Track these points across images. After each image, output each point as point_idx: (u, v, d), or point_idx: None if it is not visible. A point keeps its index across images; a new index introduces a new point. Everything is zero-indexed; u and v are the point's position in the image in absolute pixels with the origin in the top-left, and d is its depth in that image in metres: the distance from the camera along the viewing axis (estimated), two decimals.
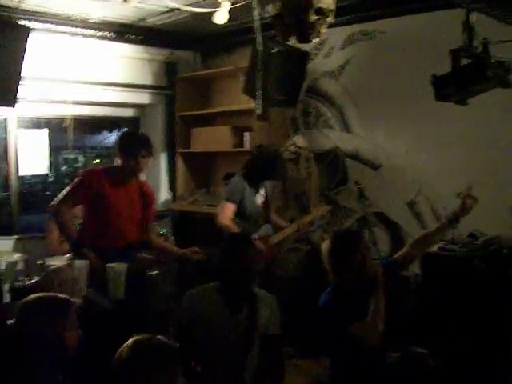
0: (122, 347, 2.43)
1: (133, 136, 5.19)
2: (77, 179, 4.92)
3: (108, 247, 4.72)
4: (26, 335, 2.69)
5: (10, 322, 3.51)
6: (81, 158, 9.81)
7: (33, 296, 2.85)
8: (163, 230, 6.82)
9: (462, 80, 3.82)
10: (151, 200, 5.17)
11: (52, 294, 2.99)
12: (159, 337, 2.53)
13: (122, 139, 5.07)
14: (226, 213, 5.52)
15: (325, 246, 3.90)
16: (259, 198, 5.73)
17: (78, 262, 4.26)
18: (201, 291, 3.80)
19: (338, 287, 3.86)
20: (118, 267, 4.30)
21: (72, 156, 9.35)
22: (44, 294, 2.94)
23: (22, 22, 5.58)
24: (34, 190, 8.25)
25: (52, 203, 4.84)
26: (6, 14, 5.78)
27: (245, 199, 5.60)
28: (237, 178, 5.73)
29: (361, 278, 3.75)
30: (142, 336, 2.48)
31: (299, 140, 6.49)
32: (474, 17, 3.79)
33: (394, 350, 3.87)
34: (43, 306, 2.77)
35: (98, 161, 11.09)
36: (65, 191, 4.88)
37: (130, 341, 2.45)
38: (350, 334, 3.58)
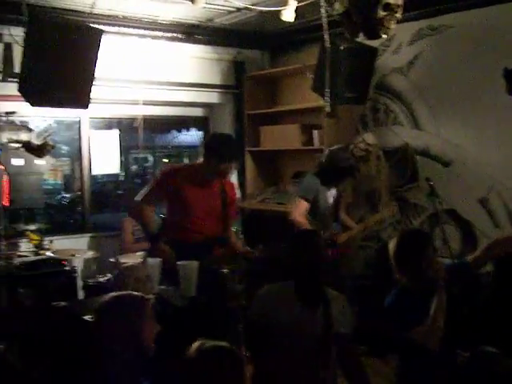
0: (189, 351, 2.46)
1: (219, 139, 5.14)
2: (157, 177, 5.02)
3: (185, 242, 4.78)
4: (104, 334, 2.74)
5: (85, 317, 3.62)
6: (150, 158, 9.97)
7: (110, 295, 2.91)
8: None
9: None
10: (232, 200, 5.17)
11: (127, 292, 3.04)
12: (225, 344, 2.57)
13: (208, 140, 5.13)
14: (300, 209, 5.51)
15: (392, 244, 3.86)
16: (331, 197, 5.71)
17: (151, 260, 4.33)
18: (273, 290, 3.74)
19: (402, 287, 3.82)
20: (190, 265, 4.35)
21: (142, 156, 9.51)
22: (120, 292, 2.99)
23: (93, 25, 5.70)
24: (106, 190, 8.43)
25: (133, 201, 4.94)
26: (80, 18, 5.93)
27: (318, 197, 5.58)
28: (310, 176, 5.72)
29: (425, 279, 3.70)
30: (207, 343, 2.51)
31: (369, 137, 6.44)
32: None
33: (464, 349, 3.81)
34: (120, 305, 2.82)
35: (166, 160, 11.26)
36: (145, 189, 4.99)
37: (195, 346, 2.48)
38: (411, 338, 3.55)
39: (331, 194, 5.72)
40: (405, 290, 3.79)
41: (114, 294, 2.95)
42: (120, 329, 2.73)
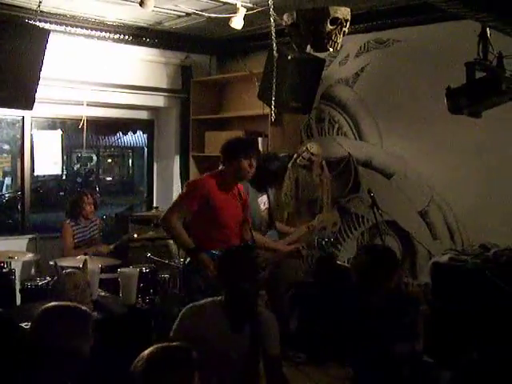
0: (142, 354, 2.44)
1: (234, 140, 5.17)
2: (185, 190, 4.96)
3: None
4: (43, 342, 2.69)
5: (22, 324, 3.56)
6: (94, 158, 9.88)
7: (53, 304, 2.84)
8: None
9: (476, 93, 3.82)
10: (246, 203, 5.18)
11: (73, 304, 2.96)
12: (176, 344, 2.56)
13: (225, 145, 5.09)
14: None
15: (359, 259, 3.91)
16: (262, 203, 5.73)
17: (91, 267, 4.29)
18: (200, 306, 3.61)
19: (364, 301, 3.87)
20: (130, 272, 4.33)
21: (86, 155, 9.41)
22: (65, 303, 2.92)
23: (40, 24, 5.61)
24: (47, 189, 8.31)
25: (163, 215, 4.86)
26: (25, 15, 5.83)
27: (252, 205, 5.59)
28: (246, 185, 5.73)
29: (391, 296, 3.77)
30: (159, 344, 2.50)
31: (312, 147, 6.47)
32: (489, 30, 3.79)
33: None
34: (65, 317, 2.76)
35: (110, 160, 11.18)
36: (174, 202, 4.95)
37: (149, 348, 2.46)
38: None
39: (262, 201, 5.75)
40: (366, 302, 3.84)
41: (59, 303, 2.88)
42: (60, 340, 2.67)
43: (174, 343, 2.57)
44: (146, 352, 2.43)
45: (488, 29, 3.75)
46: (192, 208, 4.76)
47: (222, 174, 4.98)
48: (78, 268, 4.28)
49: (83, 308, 2.88)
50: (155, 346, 2.48)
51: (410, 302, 3.84)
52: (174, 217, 4.72)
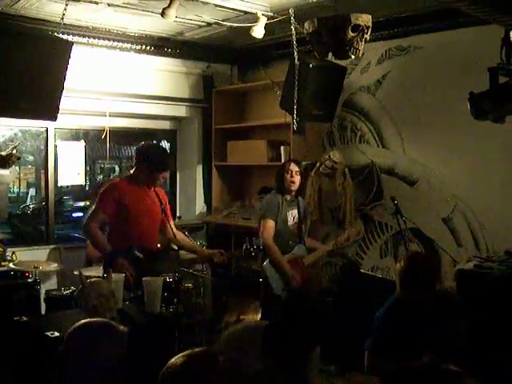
0: (171, 361, 2.43)
1: (152, 149, 5.39)
2: (98, 196, 5.11)
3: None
4: (75, 360, 2.68)
5: (48, 333, 3.58)
6: (117, 168, 9.93)
7: (83, 321, 2.83)
8: (199, 242, 6.86)
9: (499, 98, 3.81)
10: (165, 199, 5.45)
11: (104, 320, 2.96)
12: (205, 349, 2.56)
13: (141, 151, 5.28)
14: (269, 231, 5.55)
15: (402, 264, 3.97)
16: (290, 218, 5.73)
17: (115, 276, 4.30)
18: (241, 332, 3.44)
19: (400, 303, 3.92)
20: (155, 281, 4.34)
21: (108, 166, 9.46)
22: (93, 320, 2.92)
23: (63, 36, 5.67)
24: (71, 200, 8.36)
25: (84, 223, 5.15)
26: (49, 28, 5.89)
27: (280, 214, 5.61)
28: (272, 194, 5.75)
29: (432, 301, 3.78)
30: (186, 352, 2.50)
31: (335, 155, 6.47)
32: None
33: None
34: (93, 334, 2.77)
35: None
36: (92, 209, 5.25)
37: (178, 355, 2.46)
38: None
39: (292, 214, 5.75)
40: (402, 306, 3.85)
41: (88, 320, 2.88)
42: (88, 357, 2.67)
43: (202, 348, 2.56)
44: (174, 359, 2.43)
45: (511, 33, 3.74)
46: (106, 211, 5.04)
47: (133, 176, 5.26)
48: (102, 277, 4.29)
49: (113, 324, 2.87)
50: (182, 354, 2.48)
51: (454, 304, 3.84)
52: (92, 224, 5.00)
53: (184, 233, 5.57)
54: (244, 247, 6.11)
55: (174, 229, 5.38)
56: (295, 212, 5.77)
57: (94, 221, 5.00)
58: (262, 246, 5.68)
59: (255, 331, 3.49)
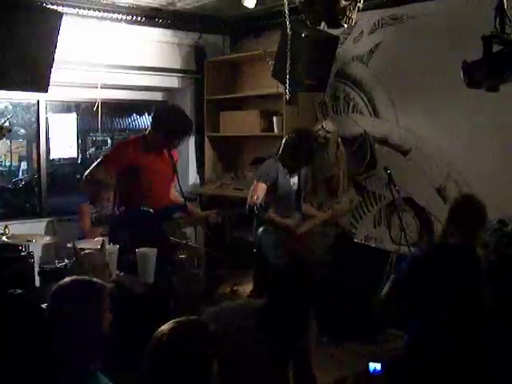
0: (161, 329, 2.45)
1: (172, 113, 5.28)
2: (111, 151, 5.05)
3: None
4: (60, 319, 2.72)
5: (42, 305, 3.59)
6: (109, 141, 9.87)
7: (67, 279, 2.88)
8: None
9: (493, 67, 3.79)
10: (177, 157, 5.42)
11: (86, 277, 2.99)
12: (194, 317, 2.58)
13: (159, 114, 5.20)
14: (256, 193, 5.48)
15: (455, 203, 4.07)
16: (291, 183, 5.72)
17: (109, 247, 4.30)
18: (237, 307, 3.54)
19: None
20: (147, 252, 4.34)
21: (100, 138, 9.41)
22: (78, 277, 2.95)
23: (53, 7, 5.61)
24: (64, 173, 8.32)
25: (87, 172, 5.02)
26: None
27: (278, 181, 5.58)
28: (270, 160, 5.72)
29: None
30: (179, 318, 2.52)
31: (328, 125, 6.46)
32: (506, 2, 3.75)
33: None
34: (78, 290, 2.80)
35: None
36: (98, 161, 5.08)
37: (168, 323, 2.47)
38: None
39: (293, 181, 5.73)
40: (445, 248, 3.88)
41: (71, 278, 2.91)
42: (77, 312, 2.70)
43: (191, 317, 2.58)
44: (165, 326, 2.45)
45: (505, 0, 3.71)
46: (115, 166, 4.96)
47: (149, 139, 5.17)
48: (96, 249, 4.29)
49: (98, 281, 2.91)
50: (172, 321, 2.49)
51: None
52: (98, 172, 4.93)
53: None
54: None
55: (172, 189, 5.39)
56: (295, 179, 5.76)
57: (99, 170, 4.94)
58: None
59: (245, 308, 3.53)
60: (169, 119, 5.08)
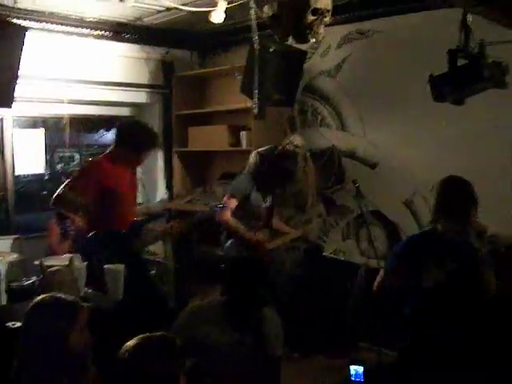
0: (126, 345, 2.43)
1: (137, 127, 5.26)
2: (79, 172, 4.99)
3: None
4: (32, 339, 2.67)
5: (9, 324, 3.54)
6: (77, 156, 9.79)
7: (40, 297, 2.84)
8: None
9: (458, 80, 3.84)
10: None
11: (57, 295, 2.94)
12: (164, 333, 2.56)
13: (124, 129, 5.14)
14: (227, 207, 5.47)
15: (438, 187, 4.00)
16: (264, 200, 5.70)
17: (77, 263, 4.26)
18: (201, 308, 3.62)
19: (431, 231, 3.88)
20: (116, 268, 4.30)
21: (68, 154, 9.33)
22: (50, 294, 2.91)
23: (18, 21, 5.57)
24: (31, 189, 8.24)
25: (57, 192, 4.85)
26: (1, 12, 5.76)
27: (250, 197, 5.54)
28: (244, 176, 5.69)
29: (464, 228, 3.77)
30: (145, 334, 2.50)
31: (296, 139, 6.45)
32: (470, 17, 3.80)
33: None
34: (48, 308, 2.76)
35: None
36: (69, 180, 4.94)
37: (134, 339, 2.46)
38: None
39: (265, 198, 5.71)
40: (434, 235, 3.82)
41: (43, 296, 2.87)
42: (48, 334, 2.66)
43: (158, 333, 2.57)
44: (130, 342, 2.43)
45: (469, 16, 3.76)
46: (85, 190, 4.79)
47: (115, 156, 5.05)
48: (64, 266, 4.24)
49: (71, 298, 2.87)
50: (137, 337, 2.48)
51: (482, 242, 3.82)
52: (68, 193, 4.74)
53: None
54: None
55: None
56: (268, 196, 5.73)
57: (67, 191, 4.76)
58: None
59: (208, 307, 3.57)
60: (134, 134, 5.03)
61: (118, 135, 5.17)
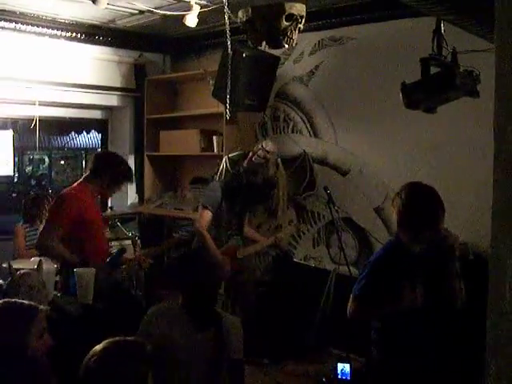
0: (94, 349, 2.41)
1: (115, 158, 5.10)
2: (54, 209, 4.84)
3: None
4: None
5: None
6: (46, 159, 9.72)
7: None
8: (130, 233, 6.79)
9: (430, 88, 3.85)
10: None
11: (15, 300, 2.92)
12: (130, 338, 2.54)
13: (102, 158, 5.04)
14: (204, 219, 5.40)
15: (403, 196, 3.70)
16: (235, 208, 5.68)
17: (46, 267, 4.21)
18: (165, 308, 3.60)
19: (397, 244, 3.77)
20: (86, 272, 4.26)
21: (38, 157, 9.26)
22: (7, 300, 2.88)
23: None
24: None
25: (38, 240, 4.77)
26: None
27: (221, 205, 5.52)
28: (215, 183, 5.67)
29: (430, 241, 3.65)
30: (113, 338, 2.47)
31: (268, 144, 6.46)
32: (443, 26, 3.83)
33: None
34: (5, 314, 2.72)
35: (63, 162, 11.01)
36: (45, 224, 4.82)
37: (102, 343, 2.43)
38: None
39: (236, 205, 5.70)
40: (399, 247, 3.72)
41: (3, 300, 2.84)
42: (4, 338, 2.62)
43: (128, 338, 2.54)
44: (98, 347, 2.41)
45: (442, 24, 3.79)
46: (63, 225, 4.62)
47: (89, 185, 4.90)
48: (32, 269, 4.19)
49: (29, 303, 2.84)
50: (107, 340, 2.45)
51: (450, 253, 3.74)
52: (50, 239, 4.58)
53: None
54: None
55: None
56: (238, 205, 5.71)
57: (51, 236, 4.59)
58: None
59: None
60: (112, 166, 4.90)
61: (94, 165, 4.98)
